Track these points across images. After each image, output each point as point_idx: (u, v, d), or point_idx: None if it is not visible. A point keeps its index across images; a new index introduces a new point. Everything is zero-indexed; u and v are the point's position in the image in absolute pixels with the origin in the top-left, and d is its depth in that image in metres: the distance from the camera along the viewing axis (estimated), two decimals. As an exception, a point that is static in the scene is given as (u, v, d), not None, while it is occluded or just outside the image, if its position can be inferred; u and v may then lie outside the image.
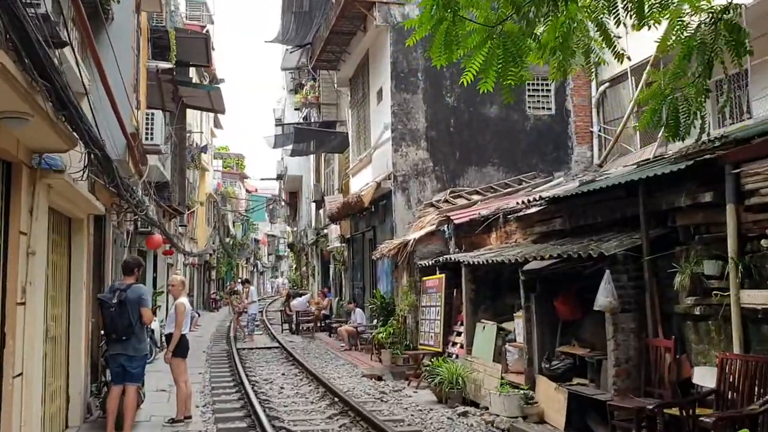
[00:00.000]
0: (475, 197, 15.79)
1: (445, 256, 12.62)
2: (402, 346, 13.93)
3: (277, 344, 19.94)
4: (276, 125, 43.85)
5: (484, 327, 11.14)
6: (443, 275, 12.68)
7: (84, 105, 7.28)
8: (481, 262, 10.72)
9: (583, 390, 8.27)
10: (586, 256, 7.92)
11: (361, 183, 18.92)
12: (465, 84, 7.86)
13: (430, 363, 11.48)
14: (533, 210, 10.42)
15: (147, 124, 12.77)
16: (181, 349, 9.44)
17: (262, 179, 72.82)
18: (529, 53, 7.75)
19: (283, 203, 46.25)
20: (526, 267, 9.11)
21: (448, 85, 16.80)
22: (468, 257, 11.55)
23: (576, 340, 9.36)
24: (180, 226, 26.88)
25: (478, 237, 13.16)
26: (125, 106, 10.27)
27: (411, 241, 13.82)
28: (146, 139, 12.76)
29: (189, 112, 25.61)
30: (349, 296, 21.47)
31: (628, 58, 6.66)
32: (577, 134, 17.28)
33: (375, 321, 16.47)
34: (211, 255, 40.57)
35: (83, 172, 7.38)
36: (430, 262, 13.24)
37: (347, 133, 22.79)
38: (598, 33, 7.34)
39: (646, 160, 14.48)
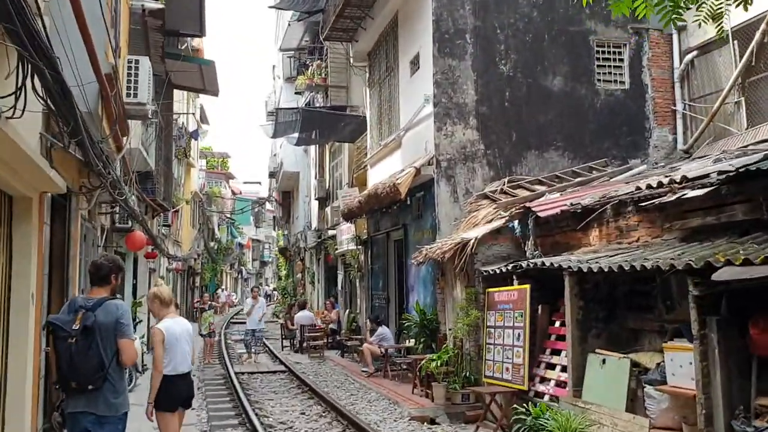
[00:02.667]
0: (539, 188, 12.63)
1: (533, 261, 9.37)
2: (460, 379, 10.67)
3: (282, 366, 16.59)
4: (268, 120, 40.64)
5: (604, 360, 7.91)
6: (528, 286, 9.44)
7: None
8: (604, 268, 7.48)
9: None
10: None
11: (386, 173, 15.69)
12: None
13: (522, 408, 8.22)
14: (698, 192, 7.20)
15: (129, 76, 9.44)
16: (165, 398, 6.17)
17: (245, 182, 69.51)
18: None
19: (274, 203, 42.81)
20: (716, 276, 5.89)
21: (503, 51, 13.63)
22: (572, 261, 8.32)
23: (781, 387, 6.17)
24: (163, 226, 23.49)
25: (566, 235, 9.99)
26: (100, 36, 6.97)
27: (472, 241, 10.59)
28: (128, 95, 9.43)
29: (175, 101, 22.25)
30: (366, 308, 18.17)
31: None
32: (656, 113, 14.16)
33: (414, 342, 13.20)
34: (195, 260, 37.08)
35: (16, 99, 4.09)
36: (504, 268, 9.98)
37: (364, 116, 19.57)
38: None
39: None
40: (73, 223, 9.28)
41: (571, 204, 9.69)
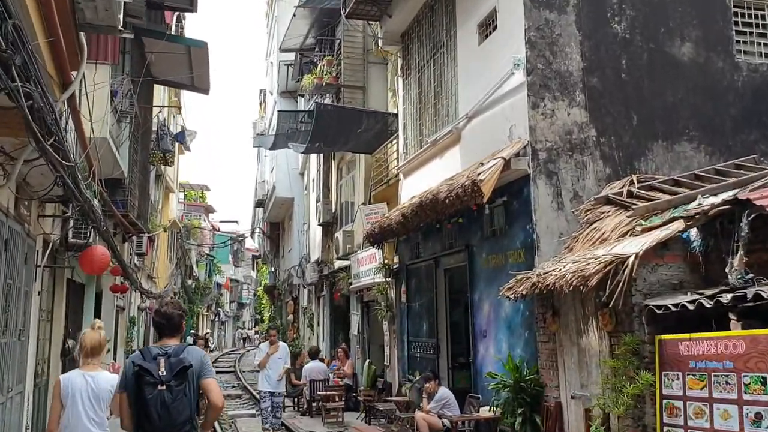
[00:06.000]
0: (681, 190, 8.74)
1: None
2: (617, 481, 6.56)
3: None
4: (255, 143, 36.74)
5: None
6: (776, 331, 5.44)
7: None
8: None
9: None
10: None
11: (432, 181, 11.77)
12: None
13: None
14: None
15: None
16: None
17: (222, 221, 65.16)
18: None
19: (261, 237, 38.63)
20: None
21: (615, 4, 9.88)
22: None
23: None
24: (137, 254, 19.22)
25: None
26: None
27: (631, 260, 6.60)
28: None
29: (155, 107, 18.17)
30: (399, 360, 13.98)
31: None
32: (815, 97, 10.43)
33: (501, 413, 9.05)
34: (172, 298, 32.58)
35: None
36: (708, 302, 5.95)
37: (392, 115, 15.74)
38: None
39: None
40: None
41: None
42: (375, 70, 18.26)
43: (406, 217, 11.54)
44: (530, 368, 8.77)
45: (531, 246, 9.07)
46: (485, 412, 9.62)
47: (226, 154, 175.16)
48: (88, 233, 8.85)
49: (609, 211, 8.65)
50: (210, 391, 4.53)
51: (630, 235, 7.86)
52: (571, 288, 7.16)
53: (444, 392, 10.41)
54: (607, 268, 6.78)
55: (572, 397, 7.87)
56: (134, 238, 17.39)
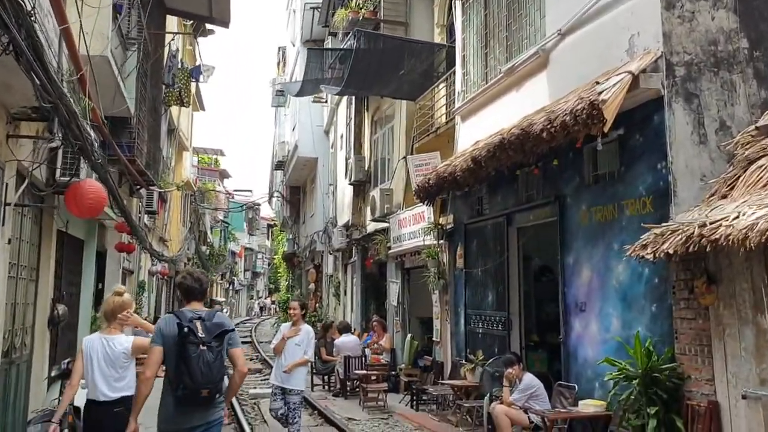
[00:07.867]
0: None
1: None
2: None
3: (330, 428, 10.20)
4: (274, 102, 34.56)
5: None
6: None
7: None
8: None
9: None
10: None
11: (501, 122, 9.52)
12: None
13: None
14: None
15: None
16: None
17: (235, 191, 63.13)
18: None
19: (280, 202, 36.47)
20: None
21: None
22: None
23: None
24: (147, 212, 17.13)
25: None
26: None
27: None
28: None
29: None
30: (452, 335, 11.80)
31: None
32: None
33: (621, 410, 6.84)
34: (185, 264, 30.56)
35: None
36: None
37: (445, 46, 13.49)
38: None
39: None
40: None
41: None
42: (419, 3, 15.94)
43: (478, 162, 9.23)
44: (665, 354, 6.55)
45: (663, 192, 6.79)
46: (588, 406, 7.44)
47: (241, 119, 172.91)
48: (76, 163, 6.66)
49: (771, 144, 6.37)
50: (237, 357, 4.87)
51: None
52: (766, 241, 4.90)
53: (530, 380, 8.22)
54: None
55: (743, 397, 5.65)
56: (143, 191, 15.28)
